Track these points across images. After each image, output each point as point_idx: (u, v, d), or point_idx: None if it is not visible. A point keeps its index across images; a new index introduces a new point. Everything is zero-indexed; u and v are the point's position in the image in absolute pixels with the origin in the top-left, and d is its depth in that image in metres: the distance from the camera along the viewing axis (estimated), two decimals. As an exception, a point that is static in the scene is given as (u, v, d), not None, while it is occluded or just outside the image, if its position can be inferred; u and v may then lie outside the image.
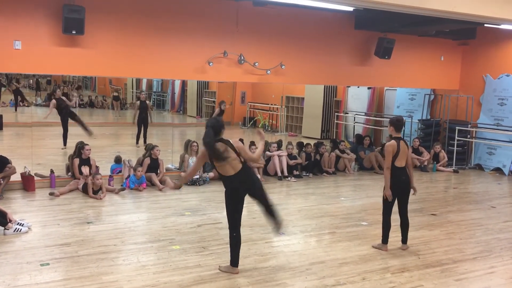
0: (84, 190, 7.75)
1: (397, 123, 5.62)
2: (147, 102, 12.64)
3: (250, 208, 7.46)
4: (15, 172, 7.71)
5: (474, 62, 11.90)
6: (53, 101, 11.23)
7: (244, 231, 6.10)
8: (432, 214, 7.38)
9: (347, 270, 4.97)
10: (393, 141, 5.53)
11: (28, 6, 7.39)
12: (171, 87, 20.10)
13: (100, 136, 14.06)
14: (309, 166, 10.20)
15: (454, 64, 12.09)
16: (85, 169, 8.02)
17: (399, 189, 5.54)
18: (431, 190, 9.25)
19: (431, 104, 12.73)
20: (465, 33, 10.91)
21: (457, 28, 9.99)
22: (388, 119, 5.88)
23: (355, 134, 13.16)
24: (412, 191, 5.69)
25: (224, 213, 4.82)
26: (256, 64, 9.23)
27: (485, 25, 9.33)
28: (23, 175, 7.95)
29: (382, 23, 9.79)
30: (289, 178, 9.66)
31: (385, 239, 5.60)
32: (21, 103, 19.58)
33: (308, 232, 6.25)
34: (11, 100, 19.46)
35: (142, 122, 12.23)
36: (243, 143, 10.40)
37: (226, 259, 5.05)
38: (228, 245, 4.85)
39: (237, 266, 4.80)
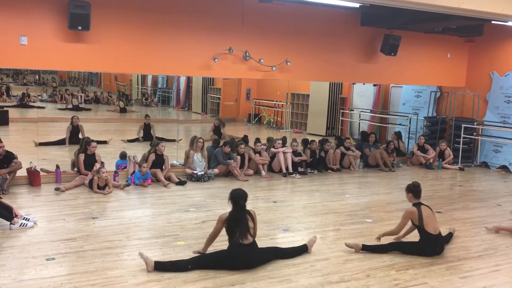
0: (90, 185, 7.78)
1: (415, 188, 5.41)
2: (151, 124, 12.75)
3: (255, 204, 7.49)
4: (21, 167, 7.75)
5: (480, 59, 11.82)
6: None
7: (248, 228, 6.11)
8: (438, 212, 7.34)
9: (351, 267, 4.96)
10: (413, 208, 5.33)
11: (34, 1, 7.41)
12: (176, 84, 20.12)
13: (105, 132, 14.11)
14: (314, 163, 10.19)
15: (461, 61, 12.02)
16: (97, 165, 8.07)
17: (433, 254, 5.33)
18: (436, 188, 9.22)
19: (437, 102, 12.67)
20: (472, 30, 10.83)
21: (464, 25, 9.92)
22: (409, 185, 5.47)
23: (360, 131, 13.12)
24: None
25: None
26: (262, 60, 9.21)
27: (492, 22, 9.25)
28: (29, 170, 7.99)
29: (388, 19, 9.74)
30: (293, 175, 9.65)
31: (366, 248, 5.39)
32: (27, 99, 19.67)
33: (313, 229, 6.24)
34: (16, 95, 19.55)
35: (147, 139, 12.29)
36: (247, 139, 10.50)
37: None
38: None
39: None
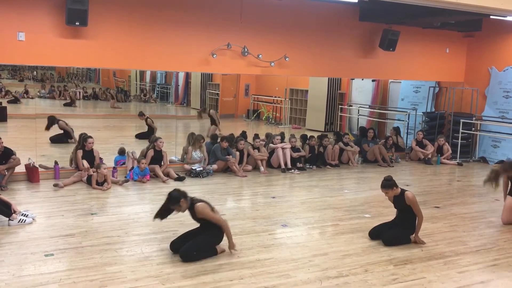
0: (89, 181, 7.78)
1: (394, 180, 5.57)
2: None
3: (254, 200, 7.51)
4: (20, 164, 7.75)
5: (479, 54, 11.81)
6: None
7: (247, 223, 6.16)
8: (436, 207, 7.37)
9: (349, 262, 4.97)
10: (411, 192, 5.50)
11: (31, -3, 7.40)
12: (175, 79, 20.07)
13: (104, 128, 14.11)
14: (312, 158, 10.19)
15: (459, 56, 12.01)
16: (85, 162, 8.03)
17: None
18: (434, 183, 9.23)
19: (435, 97, 12.67)
20: (470, 25, 10.83)
21: (463, 19, 9.91)
22: (386, 182, 5.55)
23: (359, 126, 13.13)
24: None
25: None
26: (260, 56, 9.20)
27: (491, 16, 9.24)
28: (27, 166, 7.98)
29: (387, 14, 9.73)
30: (292, 170, 9.65)
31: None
32: (25, 95, 19.65)
33: (311, 224, 6.25)
34: (20, 92, 19.55)
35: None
36: (246, 135, 10.50)
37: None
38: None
39: None
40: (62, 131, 11.55)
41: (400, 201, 5.53)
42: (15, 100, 18.36)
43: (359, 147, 10.99)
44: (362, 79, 13.83)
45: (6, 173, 7.50)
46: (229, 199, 7.57)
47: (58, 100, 19.36)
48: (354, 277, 4.60)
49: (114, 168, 8.42)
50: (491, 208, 7.38)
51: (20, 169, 7.88)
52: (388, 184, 5.52)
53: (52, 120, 11.45)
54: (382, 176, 5.87)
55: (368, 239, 5.68)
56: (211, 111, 13.33)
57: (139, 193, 7.68)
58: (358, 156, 10.90)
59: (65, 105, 18.59)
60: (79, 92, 20.30)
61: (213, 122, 13.01)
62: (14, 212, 5.80)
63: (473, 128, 11.60)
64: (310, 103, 16.10)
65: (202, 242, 4.86)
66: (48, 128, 11.40)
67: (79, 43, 7.74)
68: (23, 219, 5.78)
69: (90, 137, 8.34)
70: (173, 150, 10.01)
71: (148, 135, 11.89)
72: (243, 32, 9.02)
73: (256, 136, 9.99)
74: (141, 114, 12.78)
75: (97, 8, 7.66)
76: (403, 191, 5.53)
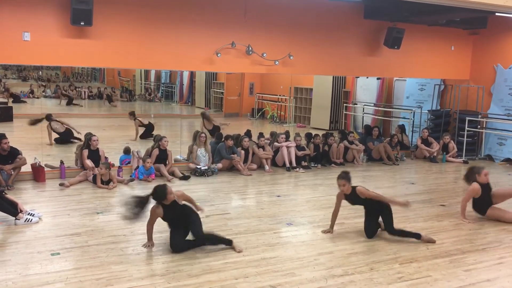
0: (94, 181, 7.80)
1: (349, 176, 5.62)
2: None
3: (259, 198, 7.52)
4: (26, 163, 7.79)
5: (485, 51, 11.75)
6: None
7: (252, 222, 6.17)
8: (441, 205, 7.34)
9: (355, 261, 4.97)
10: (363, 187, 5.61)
11: (36, -3, 7.42)
12: (179, 79, 20.15)
13: (109, 127, 14.16)
14: (317, 157, 10.18)
15: (465, 54, 11.95)
16: (90, 162, 8.05)
17: None
18: (440, 181, 9.20)
19: (441, 95, 12.62)
20: (476, 22, 10.77)
21: (468, 17, 9.87)
22: (345, 175, 5.60)
23: (364, 125, 13.09)
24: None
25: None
26: (264, 55, 9.19)
27: (497, 14, 9.19)
28: (33, 166, 8.02)
29: (391, 12, 9.69)
30: (297, 169, 9.65)
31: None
32: (30, 95, 19.78)
33: (316, 223, 6.25)
34: (26, 92, 19.68)
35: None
36: (251, 134, 10.50)
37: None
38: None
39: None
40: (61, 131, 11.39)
41: (355, 197, 5.59)
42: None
43: (364, 145, 10.96)
44: (367, 77, 13.80)
45: (13, 172, 7.54)
46: (234, 197, 7.58)
47: (64, 99, 19.46)
48: (360, 276, 4.60)
49: (119, 167, 8.45)
50: (497, 206, 7.33)
51: (26, 168, 7.92)
52: (347, 176, 5.56)
53: (37, 120, 11.02)
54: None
55: (374, 237, 5.66)
56: (205, 113, 13.00)
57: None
58: (363, 154, 10.87)
59: (67, 104, 18.70)
60: (84, 92, 20.39)
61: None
62: (21, 211, 5.83)
63: (479, 126, 11.54)
64: (315, 102, 16.09)
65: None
66: (34, 123, 10.97)
67: (84, 43, 7.76)
68: (29, 219, 5.81)
69: (94, 135, 8.37)
70: (178, 149, 10.02)
71: (148, 132, 11.95)
72: (247, 30, 9.02)
73: (261, 135, 9.99)
74: (131, 114, 12.38)
75: (102, 7, 7.68)
76: (354, 187, 5.56)
